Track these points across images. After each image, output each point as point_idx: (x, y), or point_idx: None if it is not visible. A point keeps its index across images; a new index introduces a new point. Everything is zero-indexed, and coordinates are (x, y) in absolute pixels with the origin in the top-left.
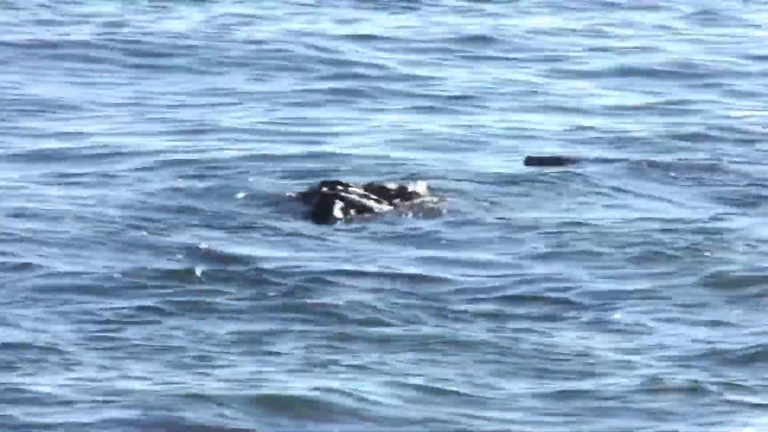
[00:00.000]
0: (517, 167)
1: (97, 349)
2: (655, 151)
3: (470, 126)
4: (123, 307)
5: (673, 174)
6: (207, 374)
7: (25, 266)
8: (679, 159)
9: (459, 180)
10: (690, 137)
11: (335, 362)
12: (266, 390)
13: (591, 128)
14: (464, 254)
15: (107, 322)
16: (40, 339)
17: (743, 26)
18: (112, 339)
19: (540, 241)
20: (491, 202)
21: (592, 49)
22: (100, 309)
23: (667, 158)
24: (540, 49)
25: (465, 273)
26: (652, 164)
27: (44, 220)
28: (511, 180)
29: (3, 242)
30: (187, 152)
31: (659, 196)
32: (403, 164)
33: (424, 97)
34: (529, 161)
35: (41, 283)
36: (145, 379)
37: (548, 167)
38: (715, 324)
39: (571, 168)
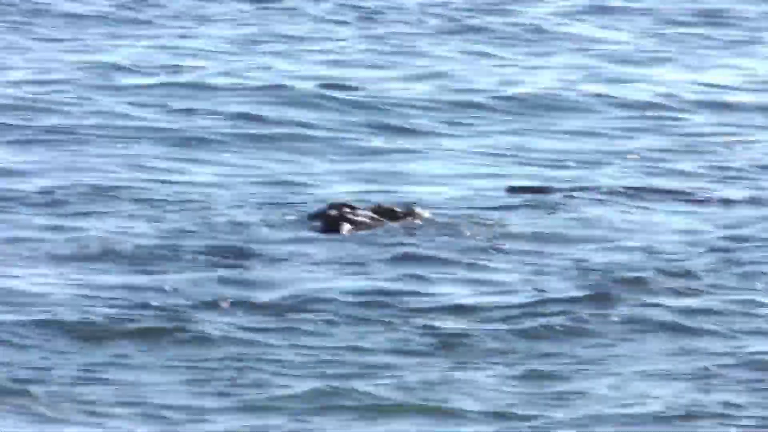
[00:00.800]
0: (501, 195)
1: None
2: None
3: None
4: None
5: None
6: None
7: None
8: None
9: (452, 206)
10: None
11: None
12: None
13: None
14: (468, 276)
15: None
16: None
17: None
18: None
19: (535, 264)
20: (486, 227)
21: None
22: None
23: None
24: None
25: (471, 295)
26: (629, 190)
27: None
28: (500, 207)
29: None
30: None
31: (637, 222)
32: (395, 192)
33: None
34: (511, 190)
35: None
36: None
37: (529, 195)
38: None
39: (551, 196)
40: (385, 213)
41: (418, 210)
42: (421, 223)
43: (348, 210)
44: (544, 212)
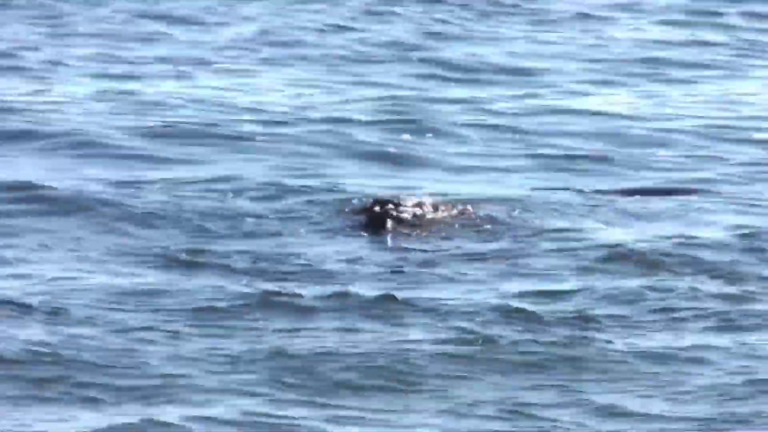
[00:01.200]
0: (534, 193)
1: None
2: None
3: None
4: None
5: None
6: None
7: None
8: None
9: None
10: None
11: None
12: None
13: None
14: (508, 276)
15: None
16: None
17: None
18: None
19: (569, 263)
20: (526, 225)
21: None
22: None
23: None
24: None
25: (509, 296)
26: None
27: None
28: (534, 205)
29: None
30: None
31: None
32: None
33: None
34: (533, 190)
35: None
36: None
37: (556, 193)
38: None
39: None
40: (430, 209)
41: (462, 207)
42: (465, 220)
43: (392, 206)
44: (570, 211)
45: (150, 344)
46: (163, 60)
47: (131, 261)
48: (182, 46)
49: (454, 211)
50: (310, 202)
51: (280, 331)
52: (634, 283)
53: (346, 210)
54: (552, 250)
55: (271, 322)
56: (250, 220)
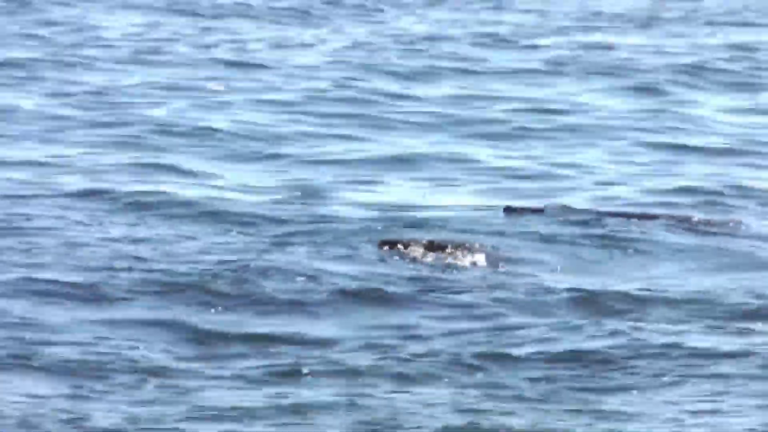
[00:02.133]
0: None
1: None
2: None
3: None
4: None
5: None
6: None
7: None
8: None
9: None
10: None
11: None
12: None
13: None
14: (514, 319)
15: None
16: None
17: None
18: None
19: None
20: (531, 273)
21: None
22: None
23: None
24: None
25: (505, 333)
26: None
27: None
28: (536, 240)
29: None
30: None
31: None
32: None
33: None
34: (508, 210)
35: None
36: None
37: (527, 216)
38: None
39: (547, 217)
40: (437, 249)
41: (470, 245)
42: (472, 260)
43: (401, 247)
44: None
45: (130, 364)
46: None
47: (130, 284)
48: None
49: (465, 252)
50: (312, 234)
51: (264, 354)
52: (617, 319)
53: (356, 248)
54: (528, 291)
55: (251, 368)
56: (247, 246)
